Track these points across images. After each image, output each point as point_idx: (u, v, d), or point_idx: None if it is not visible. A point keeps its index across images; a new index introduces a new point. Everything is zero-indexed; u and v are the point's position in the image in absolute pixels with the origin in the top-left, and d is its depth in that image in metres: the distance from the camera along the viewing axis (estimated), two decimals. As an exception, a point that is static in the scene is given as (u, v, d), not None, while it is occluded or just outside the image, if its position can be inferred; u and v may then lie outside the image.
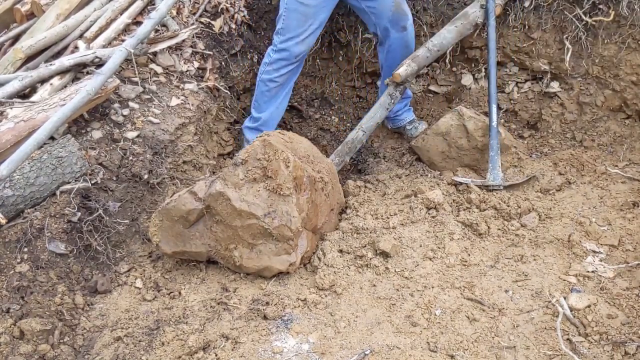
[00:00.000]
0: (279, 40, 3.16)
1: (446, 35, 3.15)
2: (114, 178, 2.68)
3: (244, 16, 3.65)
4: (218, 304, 2.34)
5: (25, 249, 2.37)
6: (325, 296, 2.30)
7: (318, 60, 3.89)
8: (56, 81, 2.83)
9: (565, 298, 2.14)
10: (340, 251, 2.52)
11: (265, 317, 2.22)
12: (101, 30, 3.18)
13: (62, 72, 2.86)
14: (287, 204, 2.35)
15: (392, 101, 3.17)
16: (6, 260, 2.32)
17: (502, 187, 2.89)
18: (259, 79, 3.33)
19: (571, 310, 2.08)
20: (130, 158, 2.76)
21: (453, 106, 3.54)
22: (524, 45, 3.35)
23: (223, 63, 3.51)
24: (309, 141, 2.73)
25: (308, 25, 3.07)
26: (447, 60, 3.52)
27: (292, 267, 2.41)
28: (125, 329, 2.28)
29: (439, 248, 2.50)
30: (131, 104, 2.94)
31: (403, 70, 3.07)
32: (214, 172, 3.14)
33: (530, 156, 3.25)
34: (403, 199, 2.89)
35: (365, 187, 3.14)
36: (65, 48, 3.13)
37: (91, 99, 2.59)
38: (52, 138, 2.58)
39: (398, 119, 3.55)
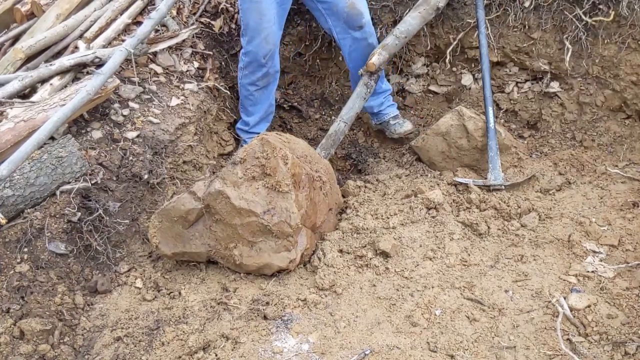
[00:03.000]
0: (244, 42, 3.15)
1: (411, 22, 3.25)
2: (114, 178, 2.68)
3: (244, 16, 3.65)
4: (218, 304, 2.34)
5: (25, 249, 2.37)
6: (325, 296, 2.30)
7: (318, 60, 3.89)
8: (56, 81, 2.83)
9: (565, 298, 2.13)
10: (340, 251, 2.52)
11: (265, 317, 2.22)
12: (101, 30, 3.18)
13: (62, 72, 2.86)
14: (286, 200, 2.36)
15: (368, 90, 3.23)
16: (6, 260, 2.32)
17: (503, 187, 2.89)
18: (239, 83, 3.32)
19: (571, 310, 2.08)
20: (130, 158, 2.76)
21: (453, 106, 3.54)
22: (524, 45, 3.35)
23: (223, 63, 3.52)
24: (306, 142, 2.74)
25: (266, 23, 3.03)
26: (447, 60, 3.53)
27: (292, 264, 2.41)
28: (125, 329, 2.28)
29: (439, 248, 2.50)
30: (131, 104, 2.95)
31: (376, 59, 3.14)
32: (214, 172, 3.14)
33: (530, 156, 3.25)
34: (403, 199, 2.89)
35: (365, 187, 3.14)
36: (65, 48, 3.13)
37: (91, 99, 2.59)
38: (52, 138, 2.58)
39: (382, 113, 3.51)
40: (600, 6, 3.12)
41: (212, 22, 3.55)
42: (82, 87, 2.61)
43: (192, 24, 3.45)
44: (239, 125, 3.49)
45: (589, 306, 2.07)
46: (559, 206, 2.74)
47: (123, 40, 3.13)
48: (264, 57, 3.13)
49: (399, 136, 3.48)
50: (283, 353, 2.04)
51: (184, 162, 3.03)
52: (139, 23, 3.30)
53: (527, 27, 3.30)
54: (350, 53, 3.28)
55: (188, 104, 3.13)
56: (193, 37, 3.42)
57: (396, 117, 3.52)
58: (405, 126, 3.47)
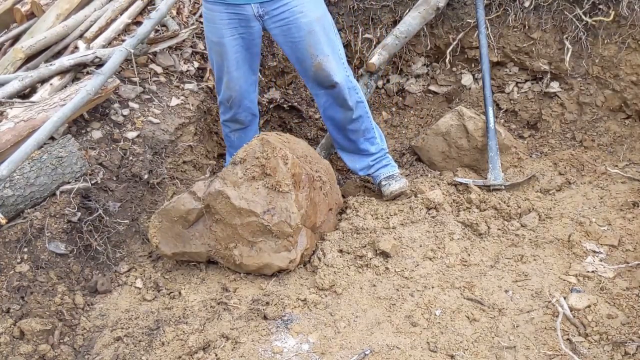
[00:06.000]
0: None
1: (411, 22, 3.25)
2: (114, 178, 2.68)
3: (244, 16, 3.65)
4: (218, 304, 2.34)
5: (25, 249, 2.37)
6: (325, 296, 2.30)
7: (318, 60, 3.89)
8: (56, 81, 2.83)
9: (565, 298, 2.13)
10: (340, 251, 2.51)
11: (265, 317, 2.22)
12: (101, 30, 3.18)
13: (62, 72, 2.86)
14: (286, 200, 2.36)
15: (368, 90, 3.20)
16: (6, 260, 2.33)
17: (503, 187, 2.89)
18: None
19: (571, 310, 2.08)
20: (130, 158, 2.76)
21: (453, 106, 3.54)
22: (524, 45, 3.35)
23: (223, 63, 3.51)
24: (306, 142, 2.74)
25: (225, 67, 2.73)
26: (447, 60, 3.53)
27: (292, 264, 2.41)
28: (125, 329, 2.28)
29: (439, 248, 2.49)
30: (131, 104, 2.95)
31: (376, 58, 3.11)
32: (214, 172, 3.14)
33: (530, 156, 3.25)
34: (403, 199, 2.89)
35: (365, 187, 3.13)
36: (65, 48, 3.14)
37: (91, 99, 2.59)
38: (52, 138, 2.58)
39: (373, 175, 3.03)
40: (600, 6, 3.12)
41: (212, 22, 3.54)
42: (82, 87, 2.61)
43: (192, 24, 3.45)
44: (225, 164, 3.18)
45: (589, 306, 2.07)
46: (559, 206, 2.73)
47: (123, 40, 3.13)
48: (227, 102, 2.86)
49: (387, 198, 2.88)
50: (283, 353, 2.04)
51: (184, 162, 3.03)
52: (139, 23, 3.30)
53: (527, 27, 3.30)
54: (325, 110, 2.84)
55: (188, 104, 3.13)
56: (193, 37, 3.42)
57: (389, 177, 2.93)
58: (395, 185, 2.87)
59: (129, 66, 3.06)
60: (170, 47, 3.29)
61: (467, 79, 3.61)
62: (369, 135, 2.94)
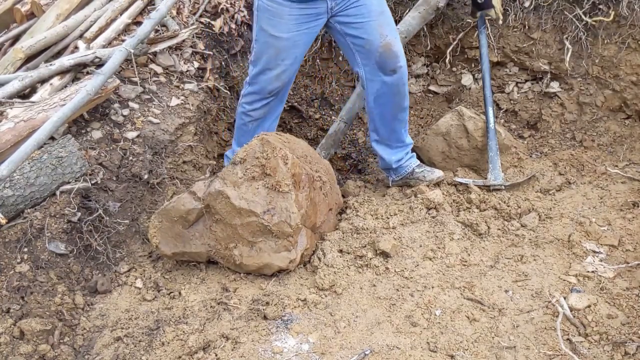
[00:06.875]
0: (251, 72, 2.85)
1: (411, 22, 3.25)
2: (114, 178, 2.68)
3: (243, 16, 3.66)
4: (218, 304, 2.34)
5: (25, 249, 2.37)
6: (325, 296, 2.30)
7: (318, 60, 3.89)
8: (56, 81, 2.83)
9: (565, 298, 2.14)
10: (340, 251, 2.52)
11: (265, 317, 2.22)
12: (101, 30, 3.18)
13: (62, 72, 2.86)
14: (286, 200, 2.36)
15: None
16: (6, 260, 2.32)
17: (503, 187, 2.89)
18: (237, 110, 3.03)
19: (571, 310, 2.08)
20: (130, 158, 2.76)
21: (453, 106, 3.55)
22: (524, 45, 3.35)
23: (223, 63, 3.52)
24: (306, 143, 2.74)
25: (281, 61, 2.73)
26: (447, 60, 3.53)
27: (292, 264, 2.41)
28: (125, 329, 2.28)
29: (439, 248, 2.50)
30: (131, 104, 2.95)
31: None
32: (214, 172, 3.14)
33: (530, 156, 3.25)
34: (403, 199, 2.89)
35: (365, 187, 3.14)
36: (65, 48, 3.13)
37: (91, 99, 2.59)
38: (52, 138, 2.58)
39: (403, 166, 3.03)
40: (600, 6, 3.13)
41: (212, 22, 3.55)
42: (82, 87, 2.61)
43: (192, 24, 3.45)
44: (228, 153, 3.18)
45: (589, 306, 2.07)
46: (559, 206, 2.74)
47: (123, 40, 3.13)
48: (270, 93, 2.85)
49: (429, 183, 2.99)
50: (283, 353, 2.04)
51: (184, 162, 3.03)
52: (139, 23, 3.30)
53: (527, 27, 3.30)
54: (378, 97, 2.84)
55: (188, 104, 3.13)
56: (193, 37, 3.42)
57: (420, 165, 3.06)
58: (436, 172, 3.01)
59: (129, 66, 3.06)
60: (170, 47, 3.29)
61: (467, 79, 3.61)
62: (406, 126, 3.01)
